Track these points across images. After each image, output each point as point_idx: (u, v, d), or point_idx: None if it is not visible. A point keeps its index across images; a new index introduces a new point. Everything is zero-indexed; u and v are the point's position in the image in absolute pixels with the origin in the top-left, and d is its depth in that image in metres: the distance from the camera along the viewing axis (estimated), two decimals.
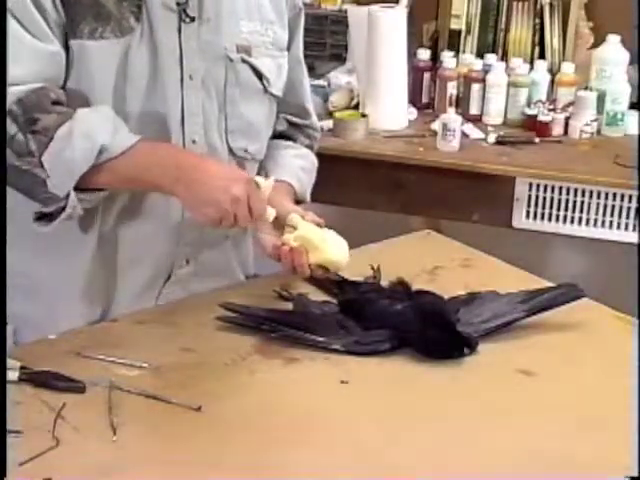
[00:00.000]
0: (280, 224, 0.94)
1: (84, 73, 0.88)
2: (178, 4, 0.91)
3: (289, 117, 1.10)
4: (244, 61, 0.97)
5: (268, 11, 1.00)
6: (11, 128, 0.83)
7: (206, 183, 0.85)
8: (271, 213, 0.91)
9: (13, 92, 0.83)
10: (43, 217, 0.87)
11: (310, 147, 1.13)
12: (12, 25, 0.84)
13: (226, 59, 0.95)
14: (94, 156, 0.84)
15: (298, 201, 1.05)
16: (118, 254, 0.95)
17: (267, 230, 0.95)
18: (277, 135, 1.08)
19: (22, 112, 0.83)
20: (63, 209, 0.86)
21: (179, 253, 0.98)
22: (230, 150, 0.98)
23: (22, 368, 0.80)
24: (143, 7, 0.90)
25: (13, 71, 0.84)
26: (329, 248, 0.94)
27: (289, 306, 0.96)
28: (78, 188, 0.86)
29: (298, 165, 1.07)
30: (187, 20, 0.91)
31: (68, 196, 0.85)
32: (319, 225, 0.96)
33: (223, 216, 0.86)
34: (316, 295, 0.99)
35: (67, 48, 0.87)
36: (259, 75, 0.99)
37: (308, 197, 1.08)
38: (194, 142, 0.95)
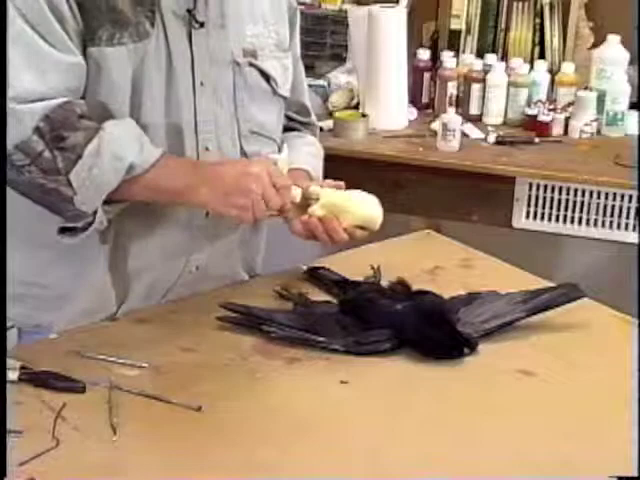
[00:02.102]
0: (304, 204, 0.93)
1: (103, 80, 0.88)
2: (188, 11, 0.91)
3: (290, 114, 1.10)
4: (251, 65, 0.97)
5: (270, 13, 1.00)
6: (38, 145, 0.82)
7: (225, 175, 0.87)
8: (297, 192, 0.90)
9: (38, 109, 0.82)
10: (66, 229, 0.87)
11: None
12: (31, 36, 0.83)
13: (234, 64, 0.95)
14: (123, 174, 0.85)
15: None
16: (130, 262, 0.95)
17: (295, 215, 0.93)
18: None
19: (50, 129, 0.83)
20: (90, 224, 0.86)
21: (190, 261, 0.98)
22: (244, 155, 0.98)
23: (22, 368, 0.80)
24: (157, 12, 0.89)
25: (35, 85, 0.83)
26: (358, 206, 0.92)
27: (289, 306, 0.96)
28: (103, 201, 0.86)
29: (308, 152, 1.07)
30: (196, 26, 0.92)
31: (95, 212, 0.86)
32: (340, 188, 0.95)
33: (252, 201, 0.86)
34: (316, 295, 0.99)
35: (85, 56, 0.87)
36: (267, 77, 0.99)
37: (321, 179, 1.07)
38: (207, 149, 0.95)
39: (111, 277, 0.95)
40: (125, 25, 0.87)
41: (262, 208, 0.87)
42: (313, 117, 1.14)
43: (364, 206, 0.93)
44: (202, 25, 0.92)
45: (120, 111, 0.88)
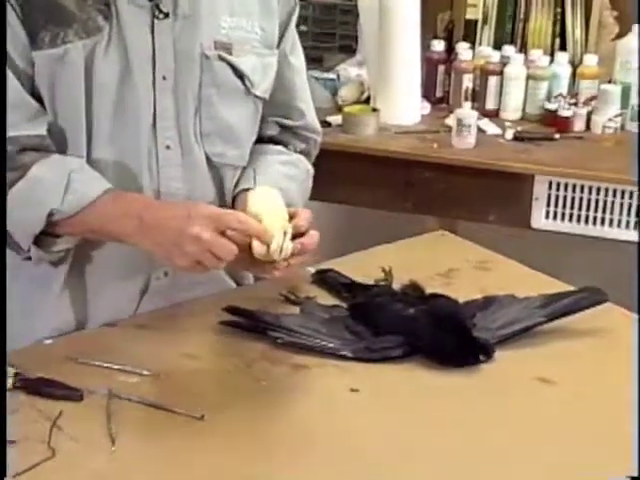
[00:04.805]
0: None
1: (54, 85, 0.85)
2: (150, 0, 0.87)
3: (279, 119, 1.03)
4: (222, 59, 0.91)
5: (254, 6, 0.94)
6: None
7: (163, 229, 0.82)
8: (287, 245, 0.81)
9: None
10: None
11: (306, 152, 1.06)
12: None
13: (202, 57, 0.90)
14: (44, 220, 0.84)
15: None
16: (87, 278, 0.92)
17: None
18: (267, 140, 1.02)
19: None
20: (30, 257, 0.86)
21: (156, 267, 0.94)
22: (207, 157, 0.93)
23: (16, 375, 0.79)
24: (112, 5, 0.86)
25: None
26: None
27: (296, 310, 0.94)
28: (52, 234, 0.85)
29: (283, 173, 1.00)
30: (160, 16, 0.87)
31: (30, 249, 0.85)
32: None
33: (193, 260, 0.80)
34: (324, 299, 0.97)
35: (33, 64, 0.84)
36: (240, 75, 0.93)
37: (298, 206, 0.96)
38: (168, 148, 0.91)
39: (72, 288, 0.92)
40: (69, 22, 0.84)
41: (213, 263, 0.80)
42: (309, 120, 1.05)
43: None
44: (167, 15, 0.88)
45: (72, 116, 0.85)
